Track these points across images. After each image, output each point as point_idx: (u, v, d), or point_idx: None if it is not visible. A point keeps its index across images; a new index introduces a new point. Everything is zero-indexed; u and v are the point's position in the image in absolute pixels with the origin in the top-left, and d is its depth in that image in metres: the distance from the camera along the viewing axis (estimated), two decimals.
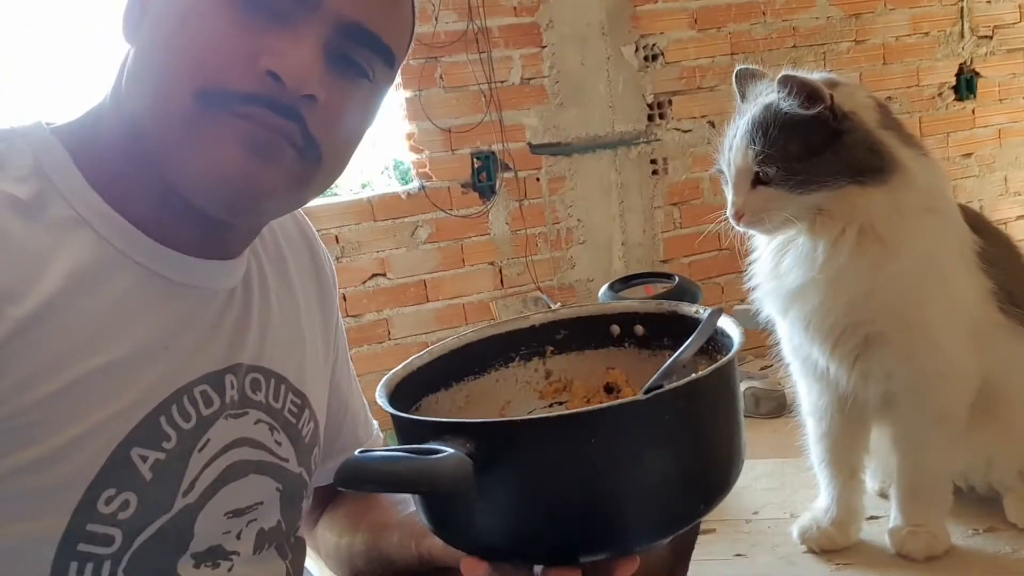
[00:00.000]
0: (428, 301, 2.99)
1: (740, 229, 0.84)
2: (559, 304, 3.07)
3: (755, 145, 0.79)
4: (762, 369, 2.36)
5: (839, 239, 0.79)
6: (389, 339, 2.97)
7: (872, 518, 0.96)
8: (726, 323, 0.64)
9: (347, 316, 2.85)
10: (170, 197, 0.59)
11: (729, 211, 0.83)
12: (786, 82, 0.77)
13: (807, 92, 0.77)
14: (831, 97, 0.77)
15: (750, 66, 0.86)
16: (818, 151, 0.77)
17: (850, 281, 0.81)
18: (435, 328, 3.01)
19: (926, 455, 0.86)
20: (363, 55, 0.60)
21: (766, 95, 0.80)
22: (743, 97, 0.86)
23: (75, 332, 0.56)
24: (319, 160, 0.60)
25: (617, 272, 3.19)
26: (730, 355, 0.57)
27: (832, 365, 0.87)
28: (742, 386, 1.55)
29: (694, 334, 0.60)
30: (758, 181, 0.80)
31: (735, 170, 0.82)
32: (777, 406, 1.40)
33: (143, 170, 0.59)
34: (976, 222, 0.87)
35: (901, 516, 0.89)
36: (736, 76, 0.87)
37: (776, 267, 0.86)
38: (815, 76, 0.80)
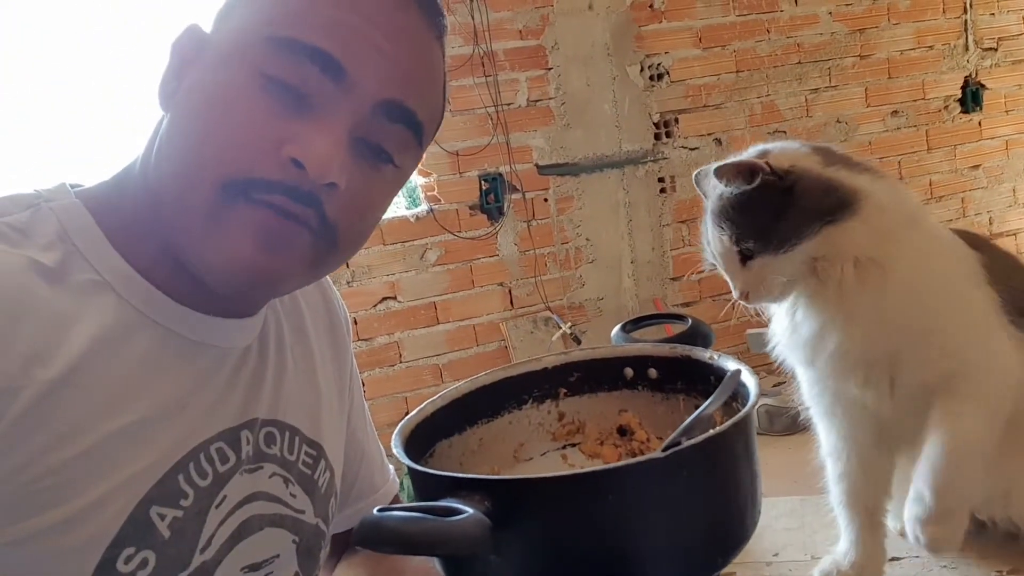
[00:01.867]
0: (439, 323, 3.00)
1: (752, 307, 0.86)
2: (570, 323, 3.06)
3: (725, 231, 0.83)
4: (775, 386, 2.34)
5: (840, 278, 0.81)
6: (400, 362, 2.97)
7: (894, 559, 0.95)
8: (743, 373, 0.64)
9: (358, 340, 2.86)
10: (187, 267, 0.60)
11: (735, 295, 0.86)
12: (720, 173, 0.81)
13: (744, 172, 0.80)
14: (767, 164, 0.80)
15: (704, 167, 0.90)
16: (781, 211, 0.80)
17: (862, 312, 0.81)
18: (446, 350, 3.01)
19: (962, 424, 0.80)
20: (394, 131, 0.60)
21: (715, 187, 0.85)
22: (705, 195, 0.91)
23: (98, 394, 0.56)
24: (335, 243, 0.61)
25: (627, 290, 3.19)
26: (747, 408, 0.57)
27: (869, 395, 0.86)
28: None
29: (713, 395, 0.60)
30: (745, 257, 0.83)
31: (721, 258, 0.86)
32: (791, 423, 1.39)
33: (162, 241, 0.61)
34: (975, 241, 0.87)
35: (925, 500, 0.79)
36: (695, 179, 0.93)
37: (792, 320, 0.86)
38: (745, 154, 0.85)
